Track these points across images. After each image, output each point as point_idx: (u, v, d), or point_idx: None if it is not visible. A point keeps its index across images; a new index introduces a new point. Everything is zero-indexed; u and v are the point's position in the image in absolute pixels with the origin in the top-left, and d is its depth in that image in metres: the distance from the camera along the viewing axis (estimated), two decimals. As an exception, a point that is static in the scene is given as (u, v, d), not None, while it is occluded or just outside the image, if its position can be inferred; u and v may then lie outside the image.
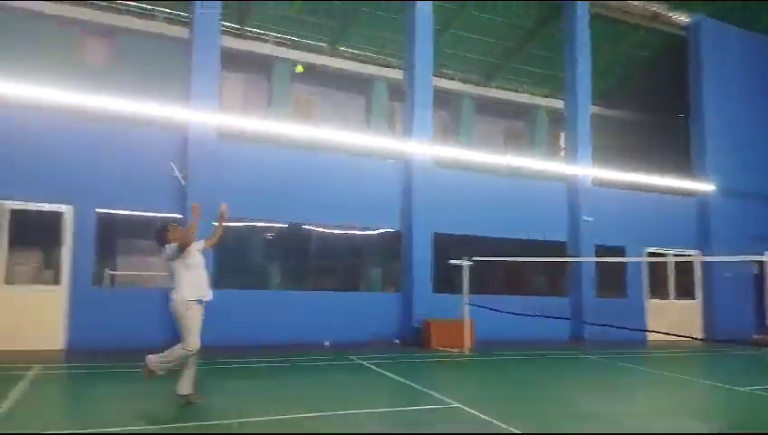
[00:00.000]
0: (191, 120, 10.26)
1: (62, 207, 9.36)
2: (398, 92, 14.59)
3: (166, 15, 14.86)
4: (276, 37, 16.09)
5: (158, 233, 5.77)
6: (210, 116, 10.38)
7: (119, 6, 14.43)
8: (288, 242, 11.54)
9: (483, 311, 10.55)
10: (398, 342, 11.28)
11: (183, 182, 9.97)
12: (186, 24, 13.20)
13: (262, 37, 16.04)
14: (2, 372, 7.20)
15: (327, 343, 10.57)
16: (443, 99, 17.77)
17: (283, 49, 16.20)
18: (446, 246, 12.07)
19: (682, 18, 15.98)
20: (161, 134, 10.31)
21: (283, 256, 11.75)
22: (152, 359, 5.53)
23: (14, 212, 9.07)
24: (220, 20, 10.96)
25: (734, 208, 15.05)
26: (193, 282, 5.56)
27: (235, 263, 11.10)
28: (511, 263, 11.85)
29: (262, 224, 11.16)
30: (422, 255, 11.84)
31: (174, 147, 10.21)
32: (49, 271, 10.03)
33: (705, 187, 15.04)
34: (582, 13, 14.41)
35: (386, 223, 12.05)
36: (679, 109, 16.75)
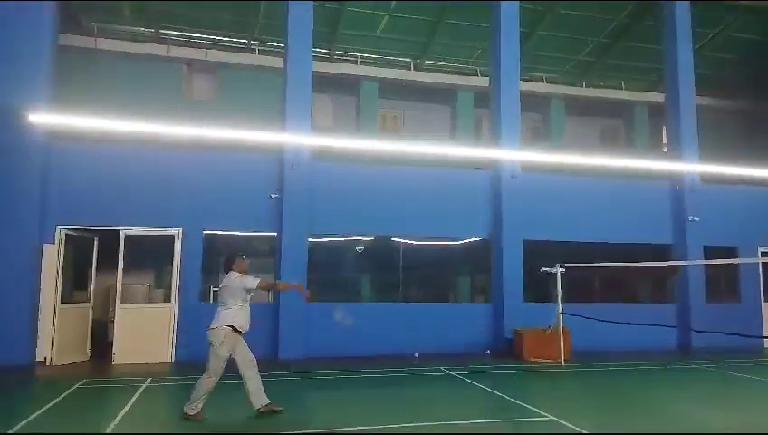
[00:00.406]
0: (286, 142, 10.97)
1: (173, 230, 10.35)
2: (484, 99, 14.56)
3: (261, 48, 16.00)
4: (362, 57, 16.70)
5: (226, 260, 6.35)
6: (303, 138, 11.03)
7: (220, 44, 15.80)
8: (377, 255, 11.92)
9: (579, 321, 10.23)
10: (489, 353, 11.22)
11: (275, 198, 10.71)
12: (280, 54, 14.11)
13: (349, 58, 16.73)
14: (120, 385, 8.09)
15: (417, 355, 10.78)
16: (531, 102, 17.43)
17: (369, 67, 16.78)
18: (538, 253, 11.84)
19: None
20: (260, 158, 11.12)
21: (373, 269, 12.17)
22: (186, 408, 5.90)
23: (128, 238, 10.04)
24: (311, 46, 11.62)
25: None
26: (242, 314, 6.09)
27: (327, 277, 11.67)
28: (610, 269, 11.37)
29: (352, 238, 11.62)
30: (512, 263, 11.71)
31: (271, 169, 10.97)
32: (160, 290, 11.14)
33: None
34: (681, -2, 13.57)
35: (474, 232, 12.06)
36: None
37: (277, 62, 14.28)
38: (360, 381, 8.59)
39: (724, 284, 13.24)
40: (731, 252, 12.92)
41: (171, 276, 10.32)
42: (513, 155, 12.03)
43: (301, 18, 11.39)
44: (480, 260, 12.14)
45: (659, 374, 9.57)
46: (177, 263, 10.27)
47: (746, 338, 10.83)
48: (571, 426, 5.94)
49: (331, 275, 11.89)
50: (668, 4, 13.68)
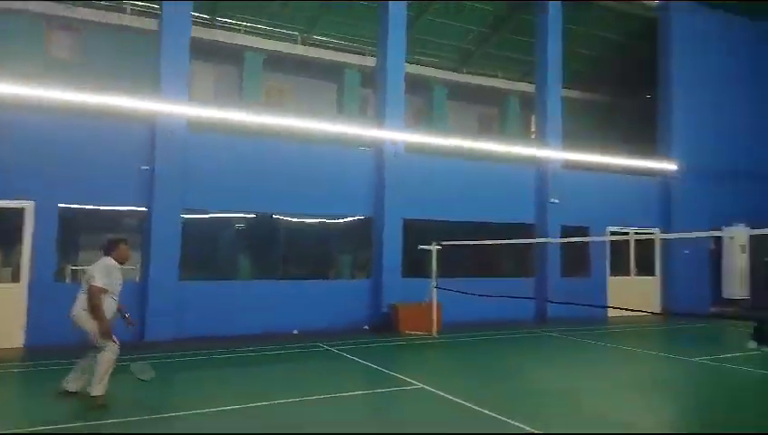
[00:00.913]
0: (160, 111, 10.31)
1: (24, 203, 9.30)
2: (371, 79, 14.72)
3: (135, 8, 14.78)
4: (247, 27, 16.07)
5: (109, 242, 6.03)
6: (179, 107, 10.43)
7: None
8: (257, 232, 11.70)
9: (451, 294, 10.87)
10: (367, 328, 11.56)
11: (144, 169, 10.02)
12: (156, 15, 13.14)
13: (233, 27, 16.01)
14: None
15: (296, 332, 10.83)
16: (416, 85, 17.93)
17: (255, 38, 16.20)
18: (416, 231, 12.35)
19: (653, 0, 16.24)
20: (129, 126, 10.35)
21: (253, 246, 11.90)
22: (93, 390, 5.56)
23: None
24: (191, 11, 10.96)
25: (694, 188, 15.50)
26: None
27: (203, 254, 11.26)
28: (480, 246, 12.17)
29: (231, 215, 11.28)
30: (392, 240, 12.10)
31: (141, 139, 10.26)
32: (8, 269, 9.89)
33: (669, 167, 15.46)
34: (553, -3, 14.59)
35: (357, 210, 12.26)
36: (648, 91, 17.08)
37: (152, 25, 13.31)
38: (233, 360, 8.46)
39: (577, 260, 14.72)
40: (584, 231, 14.36)
41: (21, 254, 9.32)
42: (396, 135, 12.34)
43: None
44: (362, 238, 12.38)
45: (518, 342, 10.49)
46: (28, 239, 9.29)
47: (593, 308, 12.31)
48: (438, 392, 6.37)
49: (207, 252, 11.47)
50: (542, 3, 14.64)
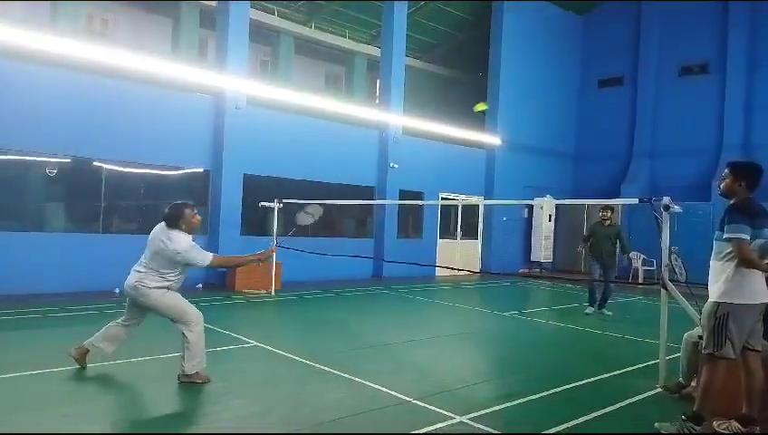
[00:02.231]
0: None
1: None
2: (211, 20, 13.61)
3: None
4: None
5: (172, 211, 4.96)
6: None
7: None
8: (75, 180, 10.28)
9: (292, 253, 10.79)
10: (200, 286, 11.00)
11: None
12: None
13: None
14: None
15: (118, 291, 9.91)
16: (261, 33, 17.07)
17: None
18: (257, 188, 11.95)
19: (492, -21, 17.29)
20: None
21: (68, 196, 10.43)
22: (187, 368, 4.96)
23: None
24: None
25: (513, 160, 17.27)
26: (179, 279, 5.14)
27: (4, 202, 9.65)
28: (324, 206, 12.18)
29: (41, 158, 9.76)
30: (231, 196, 11.59)
31: None
32: None
33: (494, 141, 16.96)
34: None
35: (193, 162, 11.45)
36: (482, 68, 18.38)
37: None
38: (38, 321, 7.48)
39: (411, 223, 15.60)
40: (418, 196, 15.20)
41: None
42: (239, 84, 11.66)
43: None
44: (199, 191, 11.61)
45: (354, 300, 10.88)
46: None
47: (423, 267, 13.25)
48: (270, 349, 6.34)
49: (10, 199, 9.82)
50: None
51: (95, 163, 10.25)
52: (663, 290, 5.27)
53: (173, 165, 11.26)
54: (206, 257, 4.95)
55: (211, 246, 11.35)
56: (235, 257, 5.41)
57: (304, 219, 5.84)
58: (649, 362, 6.22)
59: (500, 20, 17.33)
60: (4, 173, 9.48)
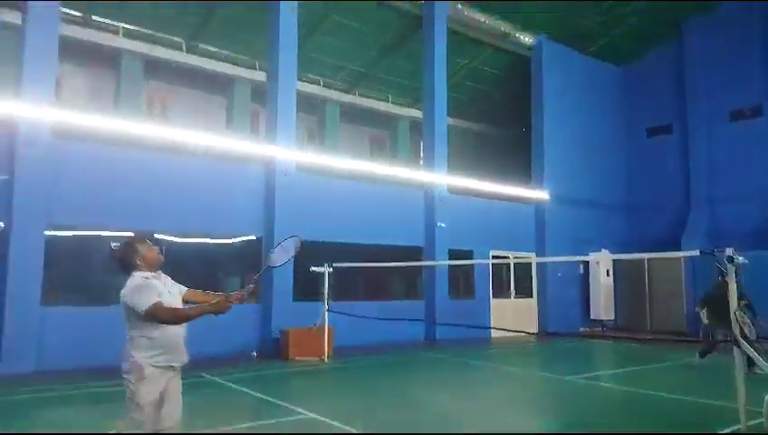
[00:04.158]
0: (20, 113, 9.15)
1: None
2: (262, 94, 14.30)
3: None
4: (126, 29, 14.91)
5: (125, 249, 3.88)
6: (43, 110, 9.33)
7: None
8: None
9: (343, 318, 10.73)
10: (255, 354, 11.00)
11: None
12: (17, 8, 11.72)
13: (110, 28, 14.77)
14: None
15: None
16: (308, 103, 17.76)
17: (134, 42, 15.07)
18: (307, 253, 12.04)
19: (528, 39, 17.64)
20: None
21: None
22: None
23: None
24: (61, 6, 9.95)
25: (563, 215, 16.92)
26: (163, 338, 3.73)
27: (70, 277, 10.07)
28: (370, 269, 12.20)
29: (105, 233, 10.22)
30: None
31: (-1, 146, 9.04)
32: None
33: (541, 195, 16.73)
34: (440, 29, 15.23)
35: (246, 230, 11.74)
36: (523, 123, 18.44)
37: (15, 18, 11.87)
38: (96, 396, 7.58)
39: (462, 283, 15.32)
40: (468, 255, 14.98)
41: None
42: (288, 153, 12.05)
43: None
44: (252, 259, 11.82)
45: (407, 365, 10.58)
46: None
47: (478, 329, 12.87)
48: (329, 422, 6.16)
49: (76, 274, 10.26)
50: (429, 31, 15.28)
51: (155, 235, 10.65)
52: (736, 348, 4.91)
53: (228, 233, 11.58)
54: (146, 302, 3.60)
55: (265, 314, 11.43)
56: (189, 309, 3.82)
57: (279, 258, 4.41)
58: (727, 431, 5.68)
59: (539, 76, 17.50)
60: (72, 249, 9.95)
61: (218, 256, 11.59)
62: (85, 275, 10.41)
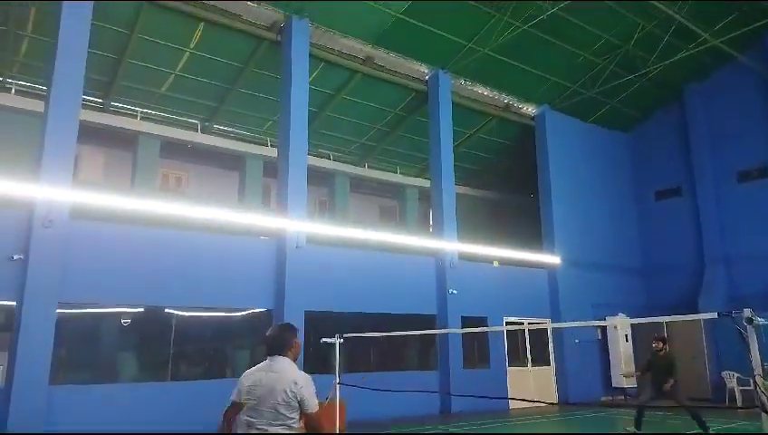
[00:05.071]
0: (38, 195, 9.47)
1: None
2: (274, 168, 14.69)
3: (19, 88, 13.92)
4: (143, 113, 15.62)
5: (284, 332, 3.83)
6: (60, 192, 9.65)
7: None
8: (146, 328, 10.68)
9: (354, 391, 10.42)
10: None
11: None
12: (41, 97, 12.43)
13: (127, 112, 15.49)
14: None
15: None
16: (318, 176, 18.17)
17: (151, 124, 15.74)
18: (318, 324, 11.95)
19: (530, 109, 18.15)
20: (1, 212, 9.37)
21: (140, 344, 10.78)
22: None
23: None
24: (81, 93, 10.49)
25: (577, 279, 16.70)
26: None
27: (79, 354, 10.04)
28: (382, 339, 11.97)
29: (116, 309, 10.27)
30: (294, 335, 11.58)
31: (16, 225, 9.29)
32: None
33: (553, 260, 16.61)
34: (444, 102, 15.75)
35: (256, 303, 11.72)
36: (531, 189, 18.61)
37: (38, 106, 12.54)
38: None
39: (476, 351, 14.94)
40: (482, 322, 14.71)
41: None
42: (298, 226, 12.21)
43: (70, 69, 10.20)
44: (261, 332, 11.70)
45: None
46: None
47: (495, 399, 12.37)
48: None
49: (86, 351, 10.23)
50: (434, 105, 15.80)
51: (166, 310, 10.67)
52: (764, 414, 4.67)
53: (237, 307, 11.56)
54: (316, 402, 3.70)
55: (274, 387, 11.15)
56: None
57: None
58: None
59: (544, 144, 17.85)
60: (82, 325, 9.98)
61: (227, 329, 11.52)
62: (96, 351, 10.37)
